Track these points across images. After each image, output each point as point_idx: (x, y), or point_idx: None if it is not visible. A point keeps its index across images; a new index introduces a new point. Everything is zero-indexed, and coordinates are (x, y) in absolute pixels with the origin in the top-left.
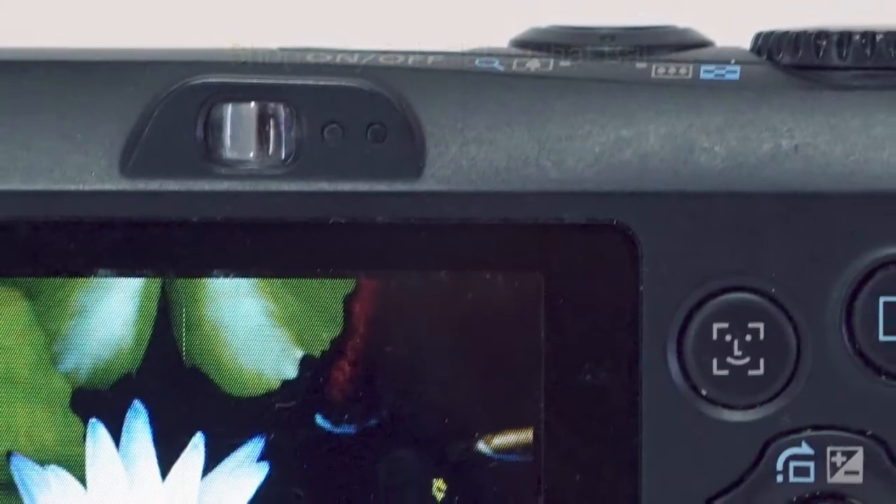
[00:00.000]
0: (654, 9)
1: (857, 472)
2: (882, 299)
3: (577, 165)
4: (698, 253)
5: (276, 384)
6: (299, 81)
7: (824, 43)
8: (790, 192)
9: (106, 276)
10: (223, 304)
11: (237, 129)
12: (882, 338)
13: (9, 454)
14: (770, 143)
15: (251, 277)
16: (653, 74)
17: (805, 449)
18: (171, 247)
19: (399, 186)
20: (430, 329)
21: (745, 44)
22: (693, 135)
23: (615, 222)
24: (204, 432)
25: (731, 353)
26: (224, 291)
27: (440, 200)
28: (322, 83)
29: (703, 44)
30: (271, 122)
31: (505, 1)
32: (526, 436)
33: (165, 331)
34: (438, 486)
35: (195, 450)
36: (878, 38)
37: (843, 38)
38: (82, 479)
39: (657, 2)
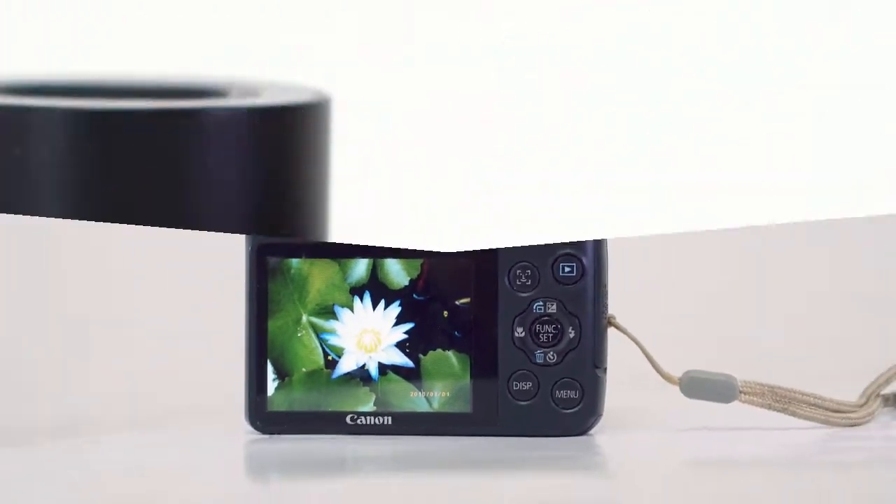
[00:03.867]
0: None
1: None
2: None
3: None
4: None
5: (403, 285)
6: None
7: None
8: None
9: (358, 258)
10: (389, 266)
11: None
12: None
13: (333, 305)
14: None
15: (395, 259)
16: None
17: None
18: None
19: None
20: (445, 276)
21: None
22: None
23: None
24: (384, 299)
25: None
26: (388, 262)
27: None
28: None
29: None
30: None
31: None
32: (468, 300)
33: (373, 273)
34: (444, 315)
35: (381, 305)
36: None
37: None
38: (352, 311)
39: None
